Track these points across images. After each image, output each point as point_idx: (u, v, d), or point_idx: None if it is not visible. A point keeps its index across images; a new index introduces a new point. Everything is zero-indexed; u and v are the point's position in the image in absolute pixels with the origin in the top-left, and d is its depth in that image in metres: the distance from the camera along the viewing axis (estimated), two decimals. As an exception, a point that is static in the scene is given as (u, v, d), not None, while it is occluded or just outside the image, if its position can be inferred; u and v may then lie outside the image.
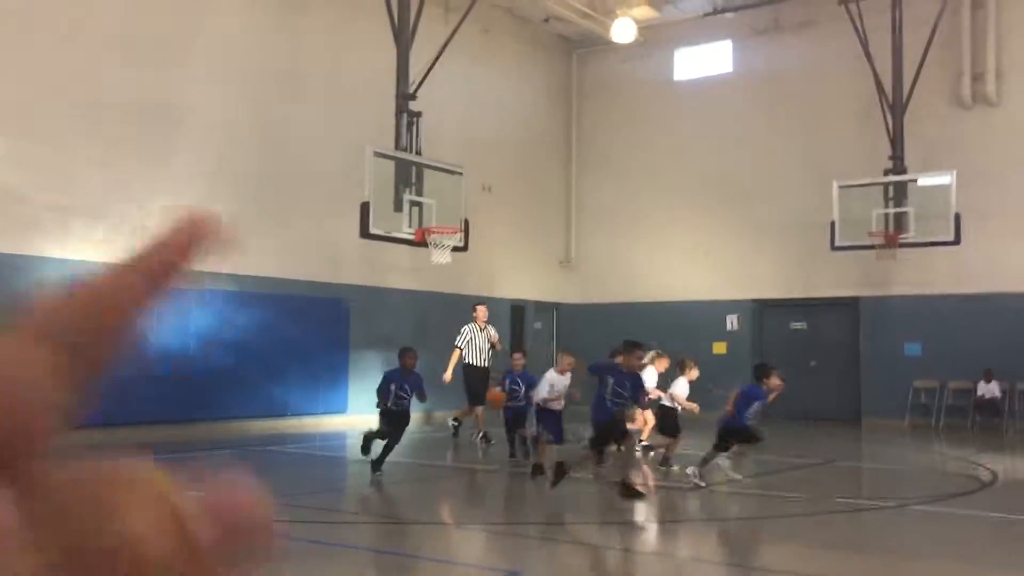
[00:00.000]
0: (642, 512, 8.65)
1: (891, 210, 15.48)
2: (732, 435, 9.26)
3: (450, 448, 13.44)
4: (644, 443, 11.67)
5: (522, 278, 20.35)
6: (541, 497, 9.60)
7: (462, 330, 13.70)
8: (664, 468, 10.50)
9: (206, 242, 0.39)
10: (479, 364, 13.41)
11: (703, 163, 20.21)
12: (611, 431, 8.37)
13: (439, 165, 13.53)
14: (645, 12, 19.49)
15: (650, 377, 10.99)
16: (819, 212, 16.42)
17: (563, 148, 21.95)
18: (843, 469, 10.94)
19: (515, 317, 19.32)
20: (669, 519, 8.37)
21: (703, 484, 9.03)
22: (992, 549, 6.99)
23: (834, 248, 15.83)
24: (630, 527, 8.04)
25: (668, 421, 10.85)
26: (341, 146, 15.60)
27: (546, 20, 20.59)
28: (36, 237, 12.75)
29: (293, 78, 16.12)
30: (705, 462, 9.23)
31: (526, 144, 20.84)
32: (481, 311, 13.86)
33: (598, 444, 8.41)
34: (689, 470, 9.11)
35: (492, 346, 13.52)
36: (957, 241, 14.81)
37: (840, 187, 15.66)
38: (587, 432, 8.73)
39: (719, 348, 18.61)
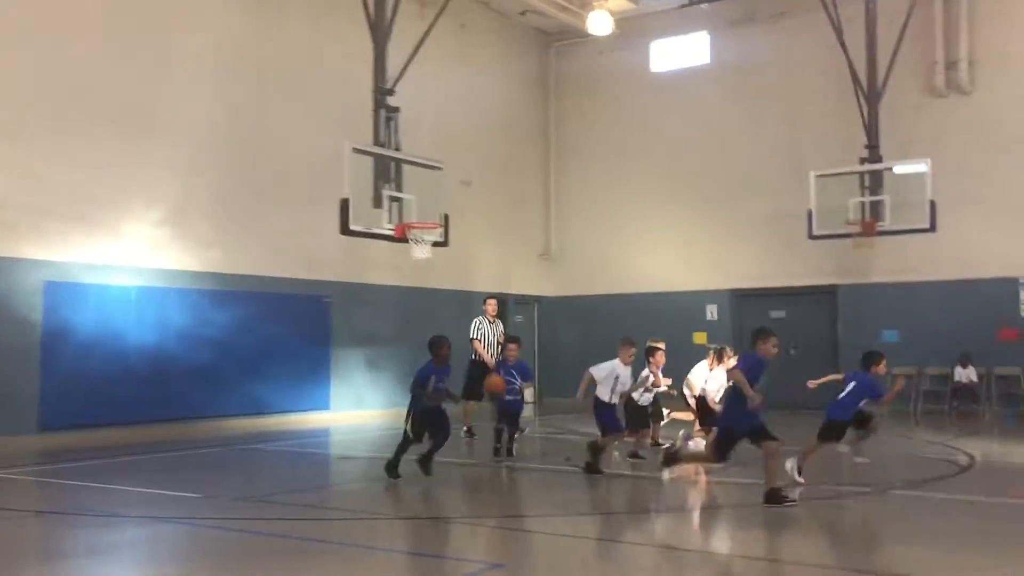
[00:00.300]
0: (627, 503, 8.73)
1: (867, 199, 15.64)
2: (836, 428, 9.18)
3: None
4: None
5: (503, 272, 20.39)
6: (523, 491, 9.66)
7: (474, 323, 13.43)
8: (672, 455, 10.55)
9: None
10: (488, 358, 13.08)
11: (681, 154, 20.31)
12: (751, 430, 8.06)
13: (418, 160, 13.54)
14: (621, 4, 19.58)
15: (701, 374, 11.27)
16: (796, 202, 16.55)
17: (542, 141, 21.99)
18: (824, 456, 10.98)
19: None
20: (640, 509, 8.44)
21: (801, 480, 8.74)
22: (968, 532, 7.10)
23: (812, 237, 15.97)
24: (611, 519, 8.11)
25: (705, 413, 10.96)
26: (320, 143, 15.58)
27: (523, 13, 20.61)
28: (11, 239, 12.68)
29: (270, 75, 16.06)
30: (805, 457, 8.98)
31: (505, 138, 20.86)
32: (491, 304, 13.62)
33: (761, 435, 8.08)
34: (788, 465, 8.80)
35: (499, 342, 13.07)
36: (932, 228, 14.98)
37: (817, 176, 15.80)
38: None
39: (699, 338, 18.73)
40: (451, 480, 9.85)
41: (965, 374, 17.02)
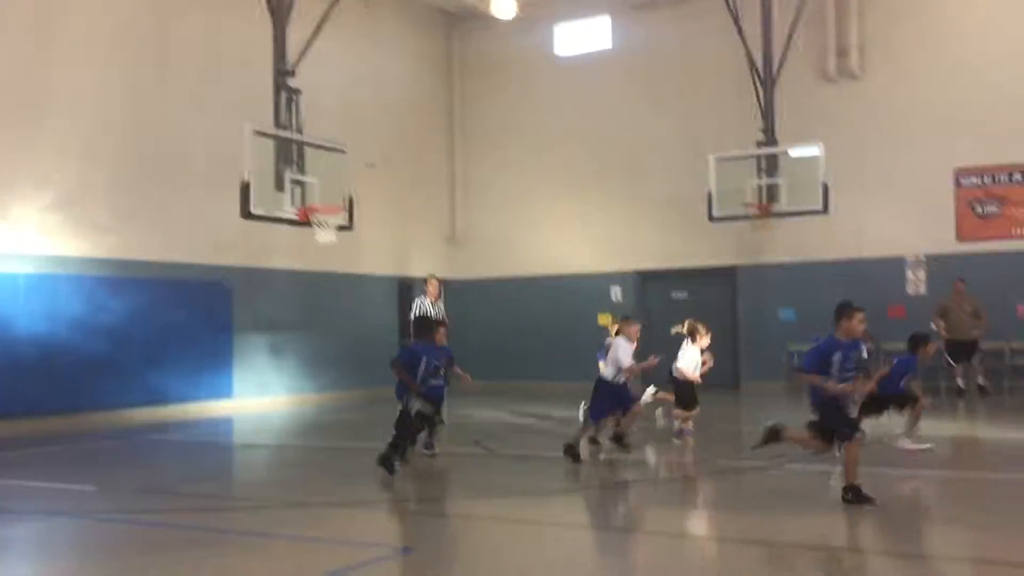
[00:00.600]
0: (546, 482, 8.82)
1: (764, 181, 16.03)
2: (883, 402, 9.64)
3: (350, 428, 13.34)
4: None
5: (409, 255, 20.29)
6: (434, 475, 9.67)
7: (415, 303, 13.08)
8: (677, 441, 10.68)
9: None
10: None
11: (585, 138, 20.48)
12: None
13: (321, 143, 13.34)
14: (525, -13, 19.56)
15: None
16: (697, 184, 16.88)
17: (446, 124, 21.88)
18: (722, 432, 11.31)
19: (403, 295, 19.25)
20: (558, 489, 8.55)
21: (927, 446, 9.66)
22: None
23: (711, 219, 16.31)
24: (521, 499, 8.19)
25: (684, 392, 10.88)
26: (220, 125, 15.17)
27: (426, -6, 20.42)
28: None
29: (166, 55, 15.58)
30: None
31: (409, 120, 20.71)
32: (433, 284, 13.17)
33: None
34: (900, 442, 9.66)
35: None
36: (826, 210, 15.46)
37: (716, 160, 16.12)
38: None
39: (603, 319, 18.97)
40: (370, 467, 9.74)
41: (857, 350, 17.66)
